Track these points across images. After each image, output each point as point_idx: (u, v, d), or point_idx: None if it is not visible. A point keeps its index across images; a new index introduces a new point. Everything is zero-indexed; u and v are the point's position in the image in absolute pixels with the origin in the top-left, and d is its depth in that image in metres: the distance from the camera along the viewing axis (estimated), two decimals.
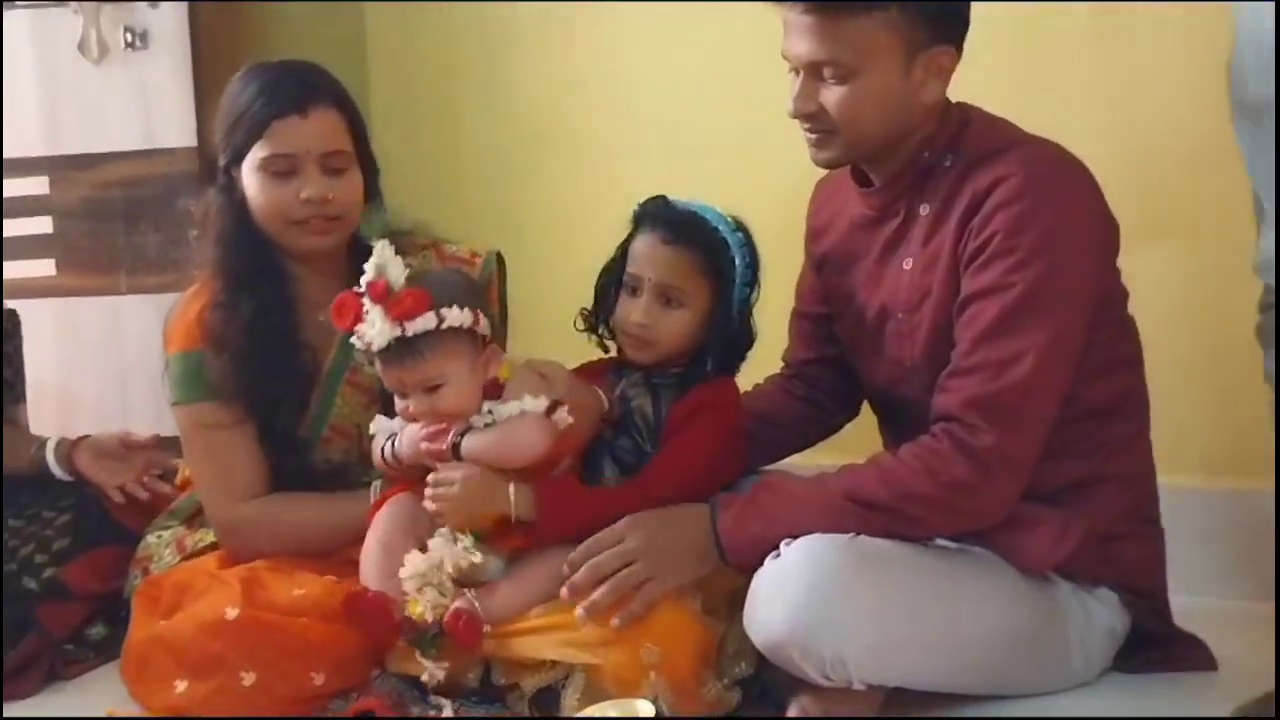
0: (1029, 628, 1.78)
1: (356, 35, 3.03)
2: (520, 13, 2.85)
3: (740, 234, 1.92)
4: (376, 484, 1.99)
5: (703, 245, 1.89)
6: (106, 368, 2.76)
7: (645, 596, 1.74)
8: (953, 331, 1.78)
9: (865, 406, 2.08)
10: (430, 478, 1.84)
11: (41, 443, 2.23)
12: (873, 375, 1.95)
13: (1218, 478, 2.31)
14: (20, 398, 2.36)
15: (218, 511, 2.02)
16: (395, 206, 2.11)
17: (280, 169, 1.97)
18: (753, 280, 1.93)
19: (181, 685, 1.83)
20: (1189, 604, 1.94)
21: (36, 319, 2.71)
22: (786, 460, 2.11)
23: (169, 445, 2.28)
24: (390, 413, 1.91)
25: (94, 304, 2.76)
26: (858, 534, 1.72)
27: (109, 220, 2.75)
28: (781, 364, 2.15)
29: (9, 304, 2.38)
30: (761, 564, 1.72)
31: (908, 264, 1.84)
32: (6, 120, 2.66)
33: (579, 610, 1.73)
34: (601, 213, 2.00)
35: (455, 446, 1.82)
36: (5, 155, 2.67)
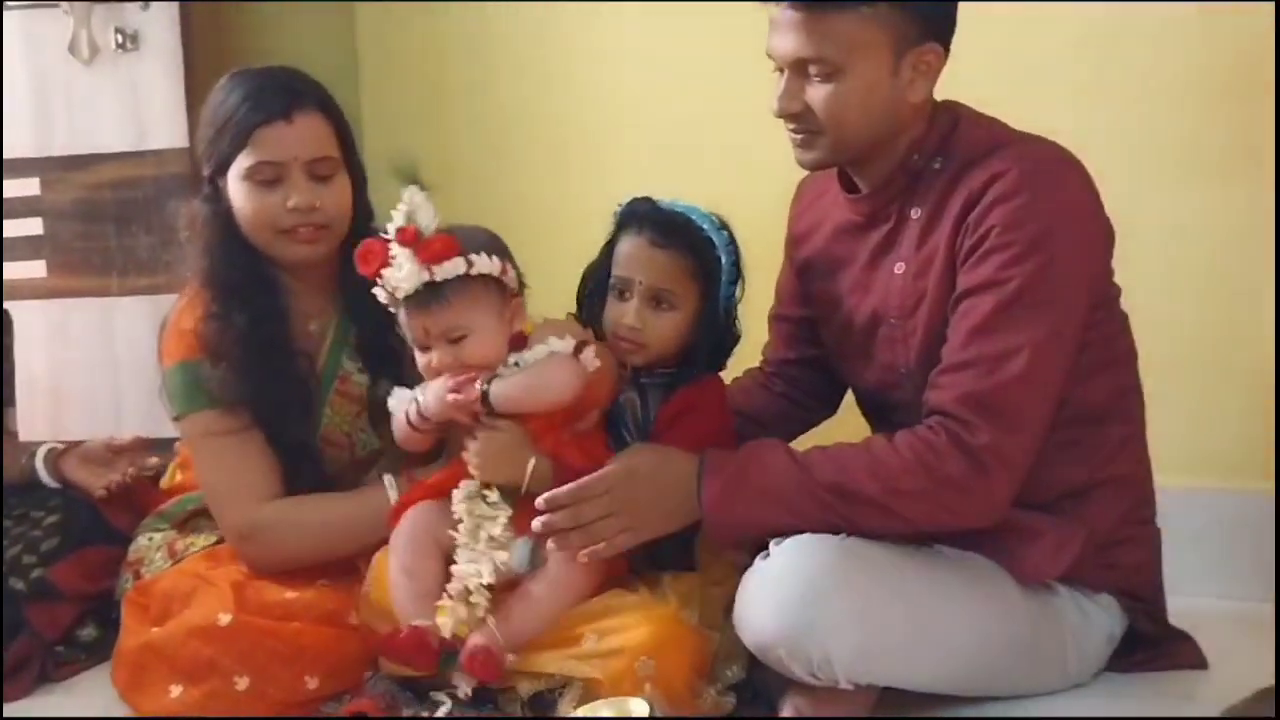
0: (1023, 632, 1.78)
1: (346, 36, 3.02)
2: (509, 14, 2.85)
3: (724, 232, 1.92)
4: (389, 478, 1.95)
5: (692, 247, 1.89)
6: (98, 369, 2.75)
7: (614, 545, 1.74)
8: (947, 333, 1.76)
9: (845, 401, 2.07)
10: (469, 443, 1.79)
11: (32, 451, 2.22)
12: (863, 379, 1.94)
13: (1208, 477, 2.31)
14: (10, 402, 2.35)
15: (235, 517, 1.95)
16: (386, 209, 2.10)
17: (266, 177, 1.94)
18: (737, 278, 1.93)
19: (176, 690, 1.83)
20: (1179, 604, 1.94)
21: (28, 320, 2.72)
22: None
23: (155, 448, 2.28)
24: (379, 420, 1.90)
25: (85, 305, 2.76)
26: (844, 527, 1.71)
27: (100, 221, 2.74)
28: (761, 360, 2.15)
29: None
30: (740, 541, 1.74)
31: (899, 268, 1.83)
32: None
33: (550, 544, 1.73)
34: (590, 214, 2.00)
35: (485, 395, 1.77)
36: None
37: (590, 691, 1.73)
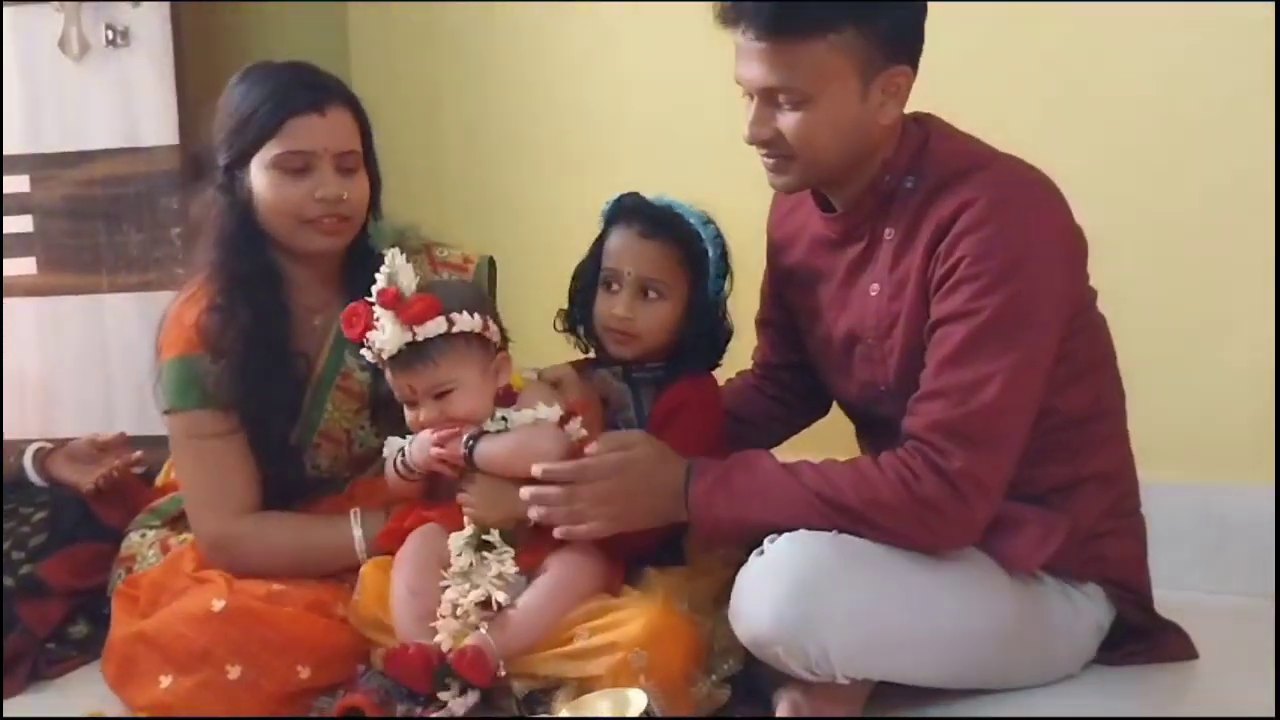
0: (1014, 624, 1.79)
1: (339, 34, 3.02)
2: (501, 14, 2.85)
3: (711, 226, 1.95)
4: (355, 512, 1.96)
5: (678, 238, 1.92)
6: (89, 366, 2.74)
7: (592, 531, 1.75)
8: (924, 353, 1.77)
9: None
10: (465, 484, 1.84)
11: (20, 450, 2.22)
12: (845, 393, 1.96)
13: (1197, 472, 2.33)
14: None
15: (210, 525, 1.96)
16: (385, 209, 2.09)
17: (295, 166, 1.94)
18: (726, 272, 1.95)
19: (166, 680, 1.82)
20: (1168, 597, 1.95)
21: (18, 318, 2.72)
22: None
23: (139, 444, 2.28)
24: (380, 417, 1.91)
25: (76, 302, 2.74)
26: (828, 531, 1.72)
27: (90, 219, 2.72)
28: (751, 364, 2.16)
29: None
30: (725, 538, 1.75)
31: (874, 290, 1.84)
32: None
33: (532, 512, 1.75)
34: (581, 213, 2.01)
35: (470, 451, 1.82)
36: None
37: (586, 689, 1.73)
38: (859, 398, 1.92)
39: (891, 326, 1.82)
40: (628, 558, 1.86)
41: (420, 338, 1.80)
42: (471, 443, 1.82)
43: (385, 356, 1.83)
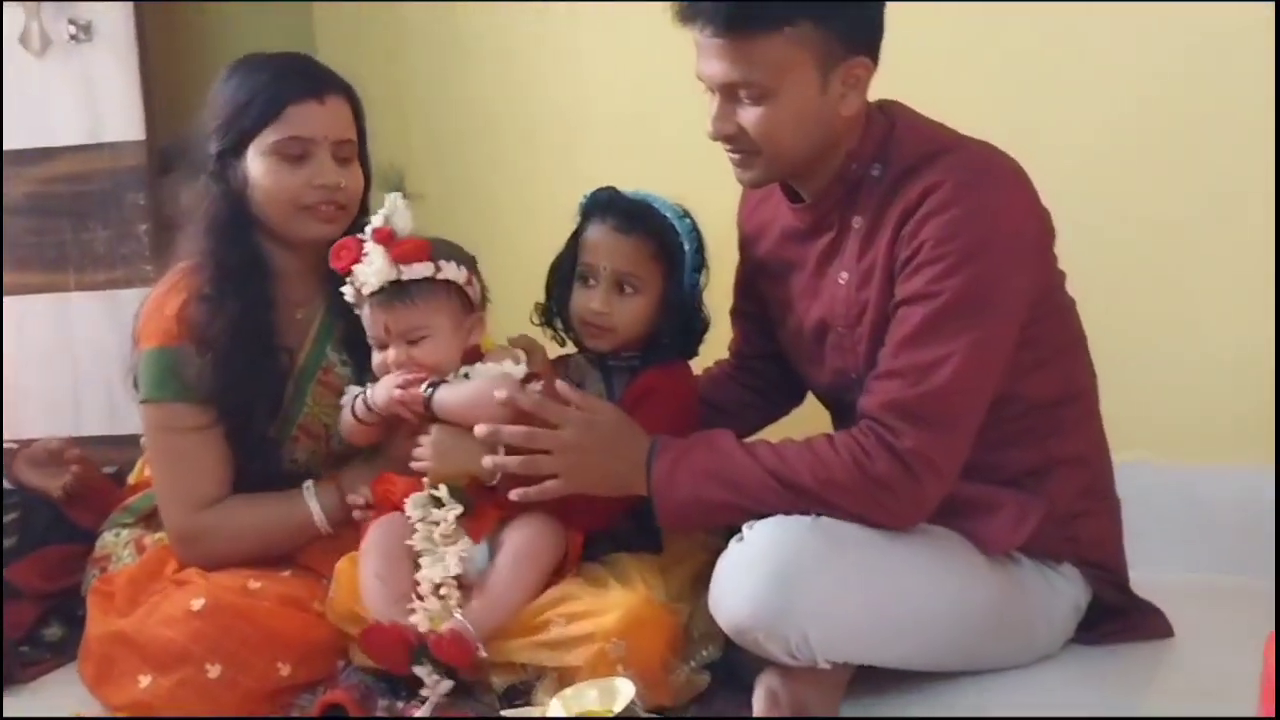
0: (993, 605, 1.80)
1: (304, 29, 3.00)
2: (468, 12, 2.84)
3: (687, 220, 1.96)
4: (309, 485, 1.97)
5: (654, 232, 1.93)
6: (56, 366, 2.71)
7: (545, 490, 1.76)
8: None
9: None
10: (420, 438, 1.84)
11: None
12: (818, 380, 1.97)
13: (1172, 453, 2.35)
14: None
15: (179, 519, 1.96)
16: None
17: (294, 152, 1.94)
18: (701, 265, 1.97)
19: (145, 680, 1.81)
20: (1144, 576, 1.97)
21: None
22: None
23: (109, 444, 2.26)
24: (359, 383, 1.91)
25: (41, 302, 2.71)
26: (784, 513, 1.72)
27: (55, 216, 2.68)
28: (728, 354, 2.17)
29: None
30: (684, 520, 1.77)
31: (843, 278, 1.84)
32: None
33: (486, 460, 1.76)
34: (552, 210, 2.01)
35: (429, 398, 1.83)
36: None
37: (565, 679, 1.73)
38: (831, 386, 1.93)
39: (861, 315, 1.82)
40: (584, 529, 1.86)
41: (405, 277, 1.82)
42: (431, 390, 1.83)
43: (367, 292, 1.84)
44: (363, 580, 1.83)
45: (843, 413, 1.95)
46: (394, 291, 1.83)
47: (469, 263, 1.90)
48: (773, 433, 2.12)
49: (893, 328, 1.75)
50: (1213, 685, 1.77)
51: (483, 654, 1.74)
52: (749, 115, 1.76)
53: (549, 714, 1.66)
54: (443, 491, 1.81)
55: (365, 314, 1.88)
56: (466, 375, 1.86)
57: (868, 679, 1.79)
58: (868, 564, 1.72)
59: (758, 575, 1.68)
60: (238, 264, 1.96)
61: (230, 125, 1.96)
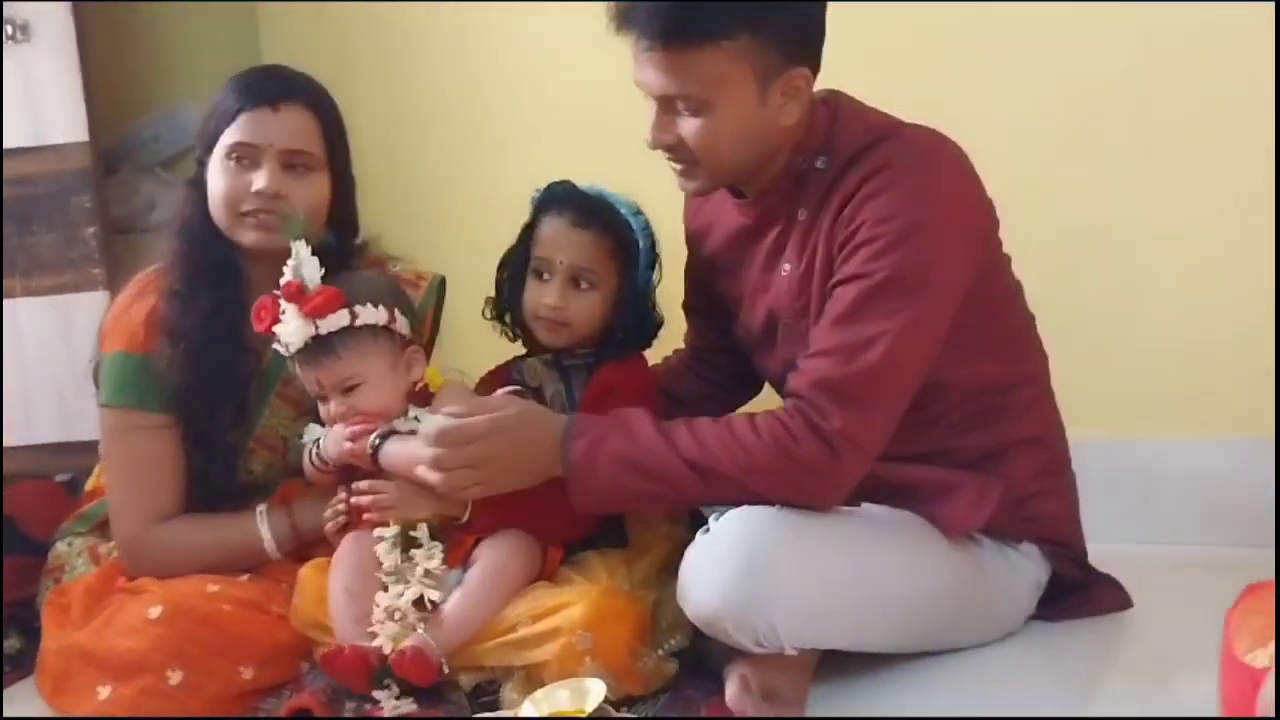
0: (955, 586, 1.81)
1: (249, 30, 2.97)
2: (412, 14, 2.82)
3: (641, 216, 1.95)
4: (262, 508, 1.96)
5: (610, 227, 1.91)
6: (5, 372, 2.67)
7: (468, 495, 1.77)
8: None
9: None
10: (355, 485, 1.83)
11: None
12: (771, 373, 1.97)
13: (1126, 428, 2.38)
14: None
15: (129, 528, 1.95)
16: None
17: (240, 156, 1.94)
18: (655, 261, 1.96)
19: (105, 691, 1.79)
20: (1102, 550, 1.99)
21: None
22: None
23: (61, 451, 2.23)
24: (320, 424, 1.89)
25: None
26: (700, 500, 1.75)
27: None
28: (685, 346, 2.16)
29: None
30: (604, 507, 1.77)
31: (785, 270, 1.84)
32: None
33: (420, 470, 1.75)
34: (499, 206, 1.99)
35: (376, 449, 1.81)
36: None
37: (533, 675, 1.73)
38: (784, 376, 1.92)
39: (806, 305, 1.82)
40: (561, 543, 1.86)
41: (323, 331, 1.80)
42: (378, 442, 1.81)
43: (289, 352, 1.83)
44: (331, 592, 1.81)
45: None
46: (315, 348, 1.81)
47: (389, 298, 1.86)
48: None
49: (828, 307, 1.75)
50: (1173, 655, 1.80)
51: (445, 671, 1.73)
52: (687, 126, 1.75)
53: (520, 714, 1.65)
54: (421, 532, 1.80)
55: (297, 370, 1.86)
56: (416, 418, 1.82)
57: (835, 661, 1.80)
58: (830, 551, 1.72)
59: (726, 569, 1.67)
60: (209, 265, 1.97)
61: (203, 132, 1.99)
